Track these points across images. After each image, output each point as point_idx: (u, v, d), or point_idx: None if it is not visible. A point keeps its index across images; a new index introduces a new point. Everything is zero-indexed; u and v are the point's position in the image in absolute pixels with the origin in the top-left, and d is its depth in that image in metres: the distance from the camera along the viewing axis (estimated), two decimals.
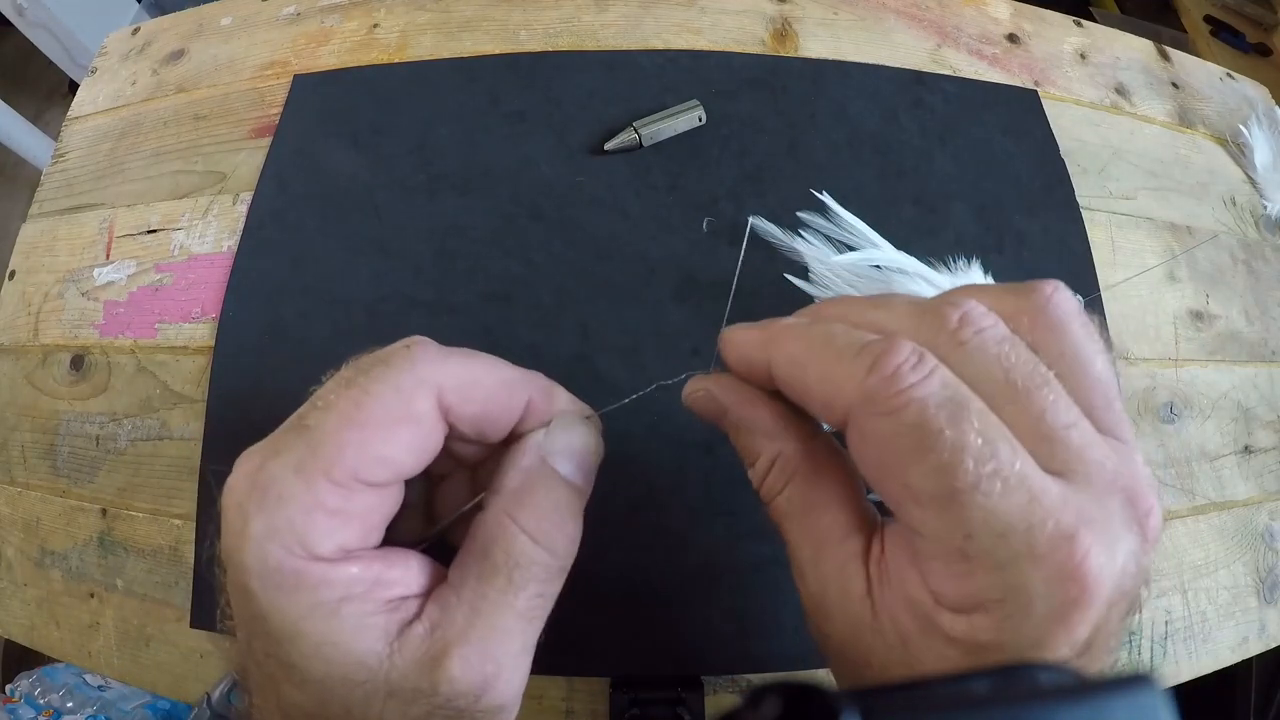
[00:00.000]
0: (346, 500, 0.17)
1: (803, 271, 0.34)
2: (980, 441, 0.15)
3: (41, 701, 0.62)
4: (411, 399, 0.17)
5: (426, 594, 0.18)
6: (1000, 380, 0.16)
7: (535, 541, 0.18)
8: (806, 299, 0.34)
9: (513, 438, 0.20)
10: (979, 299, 0.17)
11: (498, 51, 0.42)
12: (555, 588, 0.18)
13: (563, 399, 0.20)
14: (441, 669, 0.16)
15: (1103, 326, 0.38)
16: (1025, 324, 0.17)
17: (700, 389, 0.21)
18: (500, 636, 0.17)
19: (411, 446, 0.17)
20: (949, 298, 0.18)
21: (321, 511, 0.16)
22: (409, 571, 0.18)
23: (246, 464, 0.17)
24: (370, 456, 0.17)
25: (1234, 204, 0.46)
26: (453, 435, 0.19)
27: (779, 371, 0.18)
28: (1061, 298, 0.18)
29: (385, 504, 0.18)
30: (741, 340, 0.19)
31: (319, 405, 0.17)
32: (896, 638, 0.17)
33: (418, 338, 0.19)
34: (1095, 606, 0.15)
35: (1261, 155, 0.47)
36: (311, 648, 0.16)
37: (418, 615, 0.17)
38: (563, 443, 0.19)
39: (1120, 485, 0.16)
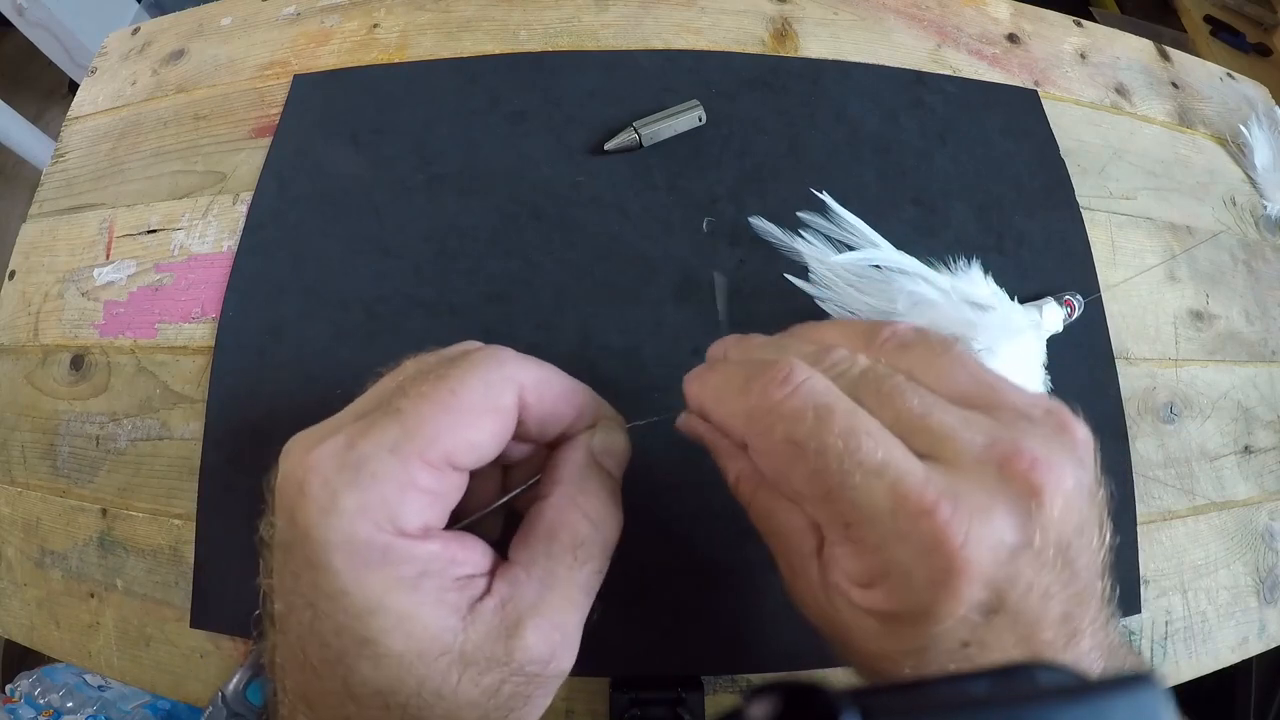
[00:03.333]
0: (436, 481, 0.18)
1: (803, 271, 0.34)
2: (842, 442, 0.17)
3: (41, 701, 0.62)
4: (500, 392, 0.19)
5: (489, 574, 0.19)
6: (870, 392, 0.19)
7: (593, 524, 0.20)
8: (806, 299, 0.34)
9: (559, 440, 0.22)
10: (839, 341, 0.21)
11: (498, 51, 0.42)
12: (606, 565, 0.21)
13: (606, 408, 0.23)
14: (517, 638, 0.18)
15: (1101, 326, 0.38)
16: (881, 350, 0.21)
17: (682, 421, 0.24)
18: (568, 608, 0.19)
19: (495, 435, 0.19)
20: (813, 339, 0.22)
21: (415, 490, 0.18)
22: (475, 553, 0.19)
23: (328, 444, 0.18)
24: (462, 441, 0.18)
25: (1234, 204, 0.46)
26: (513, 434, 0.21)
27: (708, 415, 0.21)
28: (899, 328, 0.21)
29: (460, 489, 0.19)
30: (686, 391, 0.22)
31: (409, 393, 0.18)
32: (843, 618, 0.19)
33: (495, 345, 0.21)
34: (972, 570, 0.16)
35: (1261, 155, 0.47)
36: (393, 621, 0.17)
37: (487, 592, 0.19)
38: (607, 443, 0.22)
39: (993, 455, 0.17)
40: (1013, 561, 0.17)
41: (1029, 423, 0.18)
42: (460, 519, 0.21)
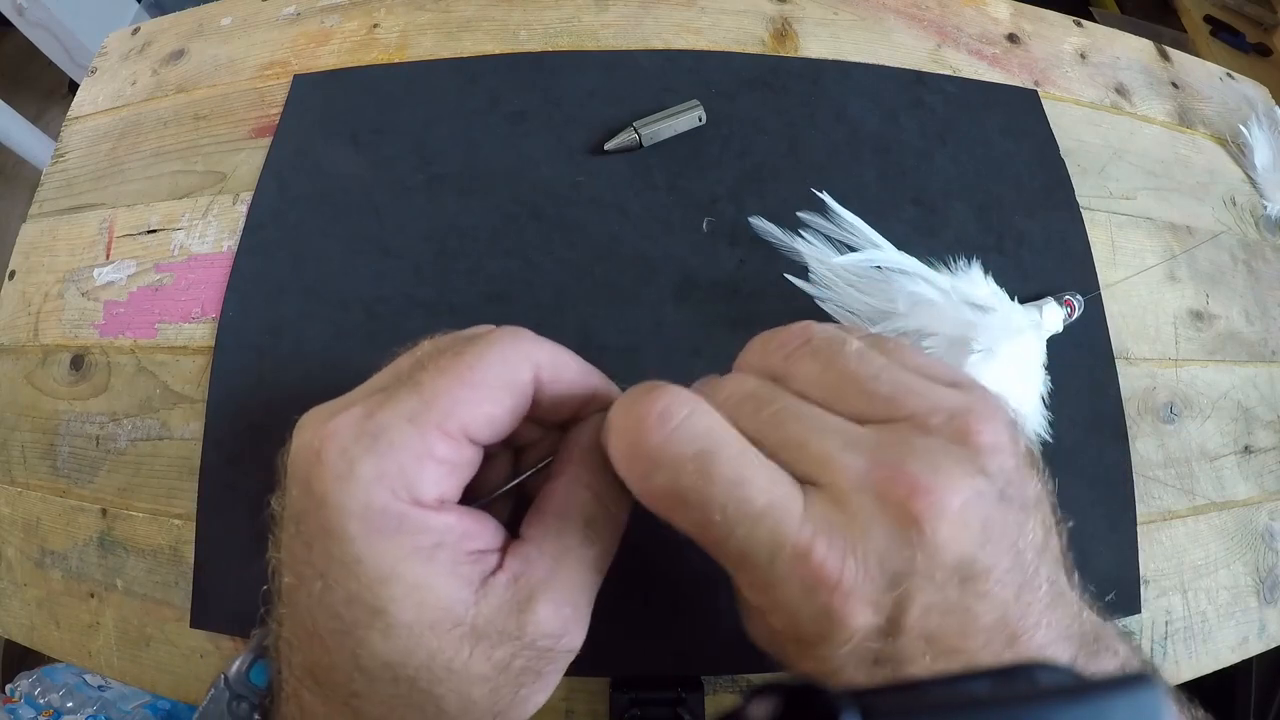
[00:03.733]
0: (454, 452, 0.18)
1: (803, 271, 0.34)
2: (724, 494, 0.17)
3: (41, 701, 0.62)
4: (518, 368, 0.19)
5: (502, 550, 0.19)
6: (755, 416, 0.18)
7: (604, 504, 0.20)
8: (807, 299, 0.34)
9: (571, 421, 0.22)
10: (754, 356, 0.21)
11: (498, 51, 0.42)
12: (615, 545, 0.21)
13: (617, 391, 0.23)
14: (529, 613, 0.18)
15: (1101, 326, 0.38)
16: (780, 363, 0.20)
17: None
18: (580, 584, 0.20)
19: (512, 410, 0.19)
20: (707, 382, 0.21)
21: (432, 460, 0.18)
22: (488, 529, 0.19)
23: (346, 414, 0.18)
24: (480, 414, 0.18)
25: (1234, 204, 0.46)
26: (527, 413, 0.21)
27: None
28: (791, 336, 0.20)
29: (475, 463, 0.19)
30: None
31: (429, 367, 0.19)
32: (767, 636, 0.20)
33: (513, 326, 0.21)
34: (852, 605, 0.17)
35: (1261, 155, 0.47)
36: (405, 590, 0.17)
37: (499, 567, 0.19)
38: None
39: (871, 481, 0.17)
40: (899, 587, 0.17)
41: (921, 435, 0.17)
42: (472, 499, 0.21)
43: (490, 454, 0.23)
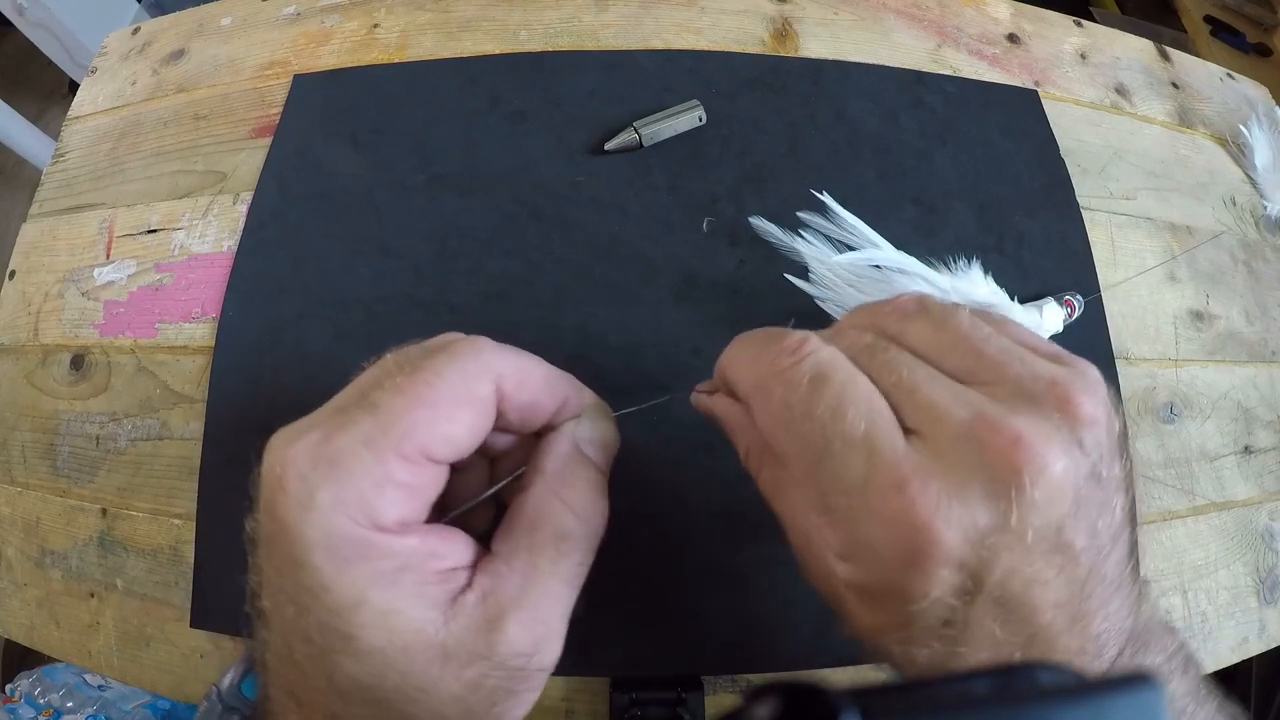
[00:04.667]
0: (413, 475, 0.18)
1: (803, 271, 0.34)
2: (828, 410, 0.18)
3: (41, 701, 0.62)
4: (476, 383, 0.19)
5: (472, 567, 0.19)
6: (870, 364, 0.19)
7: (577, 516, 0.20)
8: (806, 299, 0.34)
9: (544, 430, 0.22)
10: (860, 318, 0.22)
11: (498, 51, 0.42)
12: (590, 558, 0.20)
13: (590, 396, 0.22)
14: (499, 631, 0.18)
15: (1101, 326, 0.38)
16: (886, 322, 0.21)
17: (694, 397, 0.25)
18: (551, 601, 0.19)
19: (473, 427, 0.19)
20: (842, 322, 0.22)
21: (390, 484, 0.17)
22: (456, 546, 0.19)
23: (304, 439, 0.18)
24: (438, 434, 0.18)
25: (1234, 204, 0.46)
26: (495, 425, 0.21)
27: (725, 376, 0.22)
28: (900, 301, 0.21)
29: (439, 482, 0.19)
30: (718, 361, 0.23)
31: (385, 386, 0.18)
32: (835, 591, 0.19)
33: (473, 336, 0.21)
34: (938, 551, 0.16)
35: (1261, 155, 0.47)
36: (373, 616, 0.17)
37: (468, 585, 0.18)
38: (592, 432, 0.21)
39: (975, 432, 0.17)
40: (986, 544, 0.16)
41: (1025, 400, 0.18)
42: (446, 510, 0.21)
43: (462, 466, 0.22)
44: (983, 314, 0.21)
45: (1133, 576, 0.19)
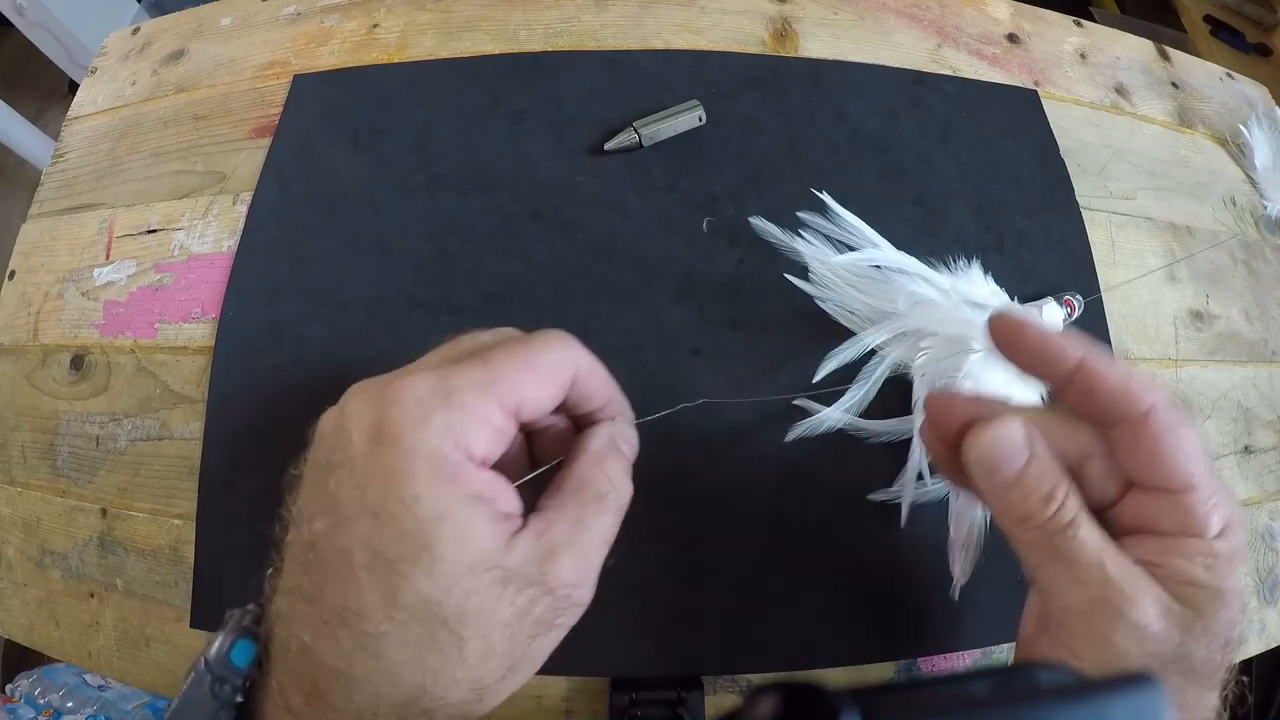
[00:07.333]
0: (504, 423, 0.21)
1: (803, 271, 0.34)
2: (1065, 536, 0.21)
3: (41, 701, 0.62)
4: (564, 367, 0.23)
5: (522, 516, 0.22)
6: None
7: (614, 486, 0.23)
8: (806, 299, 0.34)
9: (585, 421, 0.25)
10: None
11: (498, 51, 0.42)
12: (619, 523, 0.23)
13: (627, 405, 0.26)
14: (553, 563, 0.21)
15: (1101, 326, 0.38)
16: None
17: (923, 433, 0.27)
18: (595, 546, 0.22)
19: (553, 399, 0.23)
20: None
21: (489, 425, 0.21)
22: (512, 495, 0.22)
23: (418, 376, 0.20)
24: (531, 396, 0.21)
25: (1234, 204, 0.46)
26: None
27: (967, 459, 0.24)
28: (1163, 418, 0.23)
29: (512, 437, 0.22)
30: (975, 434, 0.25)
31: (497, 350, 0.22)
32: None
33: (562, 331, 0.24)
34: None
35: (1261, 155, 0.47)
36: (453, 531, 0.19)
37: (523, 527, 0.21)
38: (625, 432, 0.25)
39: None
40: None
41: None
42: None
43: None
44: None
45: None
